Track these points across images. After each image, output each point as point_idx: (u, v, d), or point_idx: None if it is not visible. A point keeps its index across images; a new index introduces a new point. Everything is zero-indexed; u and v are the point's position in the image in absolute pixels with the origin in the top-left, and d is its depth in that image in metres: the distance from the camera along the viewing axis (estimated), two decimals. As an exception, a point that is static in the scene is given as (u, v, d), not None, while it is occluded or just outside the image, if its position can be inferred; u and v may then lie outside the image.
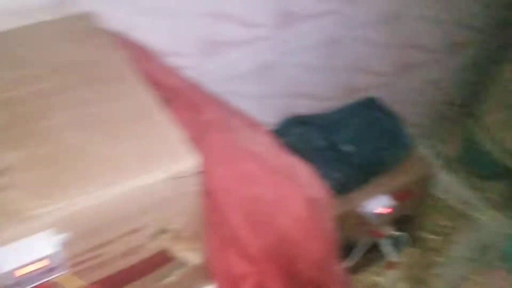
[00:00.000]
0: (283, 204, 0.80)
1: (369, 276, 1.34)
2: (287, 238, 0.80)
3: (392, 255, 1.21)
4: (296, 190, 0.81)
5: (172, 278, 0.73)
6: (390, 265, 1.22)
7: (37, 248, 0.51)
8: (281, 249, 0.79)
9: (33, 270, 0.51)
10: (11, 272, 0.49)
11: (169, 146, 0.58)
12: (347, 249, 1.19)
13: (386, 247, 1.21)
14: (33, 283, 0.52)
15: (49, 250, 0.51)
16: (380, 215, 1.15)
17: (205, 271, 0.79)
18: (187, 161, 0.57)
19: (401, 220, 1.25)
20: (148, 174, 0.55)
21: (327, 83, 1.35)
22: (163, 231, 0.61)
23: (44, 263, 0.51)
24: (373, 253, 1.24)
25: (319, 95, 1.36)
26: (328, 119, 1.25)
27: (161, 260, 0.67)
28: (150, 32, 0.91)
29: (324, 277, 0.83)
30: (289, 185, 0.81)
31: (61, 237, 0.53)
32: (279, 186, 0.81)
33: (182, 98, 0.81)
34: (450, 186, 1.62)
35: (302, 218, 0.80)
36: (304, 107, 1.33)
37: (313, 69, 1.28)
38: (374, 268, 1.32)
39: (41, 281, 0.53)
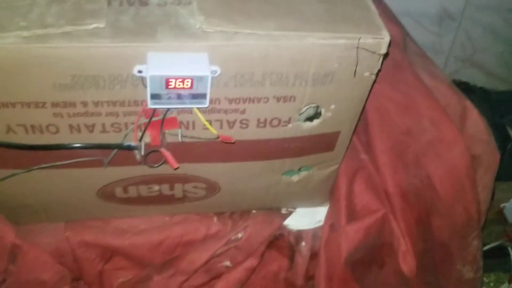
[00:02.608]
0: (438, 147, 0.68)
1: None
2: (432, 186, 0.67)
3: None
4: (458, 136, 0.68)
5: (294, 178, 0.64)
6: (512, 279, 1.04)
7: (188, 66, 0.45)
8: (421, 195, 0.67)
9: (176, 87, 0.45)
10: (162, 77, 0.44)
11: (365, 17, 0.48)
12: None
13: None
14: (170, 104, 0.47)
15: (198, 72, 0.45)
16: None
17: (325, 188, 0.70)
18: (377, 36, 0.47)
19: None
20: (331, 34, 0.46)
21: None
22: (317, 113, 0.52)
23: (188, 84, 0.45)
24: (494, 259, 1.06)
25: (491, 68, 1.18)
26: (497, 98, 1.08)
27: (296, 150, 0.58)
28: None
29: (457, 248, 0.70)
30: (450, 128, 0.68)
31: (215, 68, 0.46)
32: (439, 126, 0.69)
33: None
34: None
35: (457, 170, 0.67)
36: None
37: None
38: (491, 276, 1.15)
39: (178, 106, 0.47)
